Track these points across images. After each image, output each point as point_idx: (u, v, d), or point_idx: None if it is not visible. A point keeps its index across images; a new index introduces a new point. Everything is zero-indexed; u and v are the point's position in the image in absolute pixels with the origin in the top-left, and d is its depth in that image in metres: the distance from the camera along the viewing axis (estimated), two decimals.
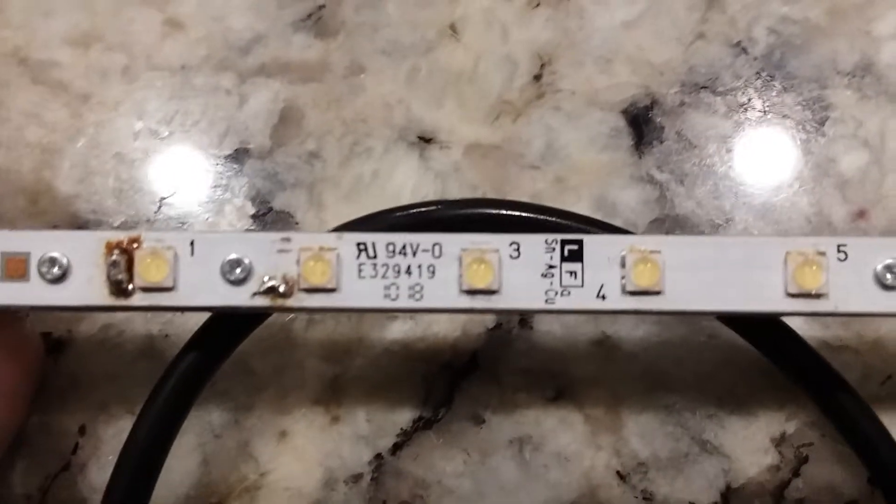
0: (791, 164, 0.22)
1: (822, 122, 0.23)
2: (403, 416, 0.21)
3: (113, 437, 0.21)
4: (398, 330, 0.22)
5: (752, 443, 0.21)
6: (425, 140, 0.23)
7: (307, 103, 0.23)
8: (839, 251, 0.17)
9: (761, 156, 0.23)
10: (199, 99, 0.23)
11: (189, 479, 0.21)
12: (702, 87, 0.23)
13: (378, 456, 0.21)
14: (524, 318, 0.22)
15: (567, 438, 0.21)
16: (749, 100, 0.23)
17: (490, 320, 0.22)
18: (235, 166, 0.23)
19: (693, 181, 0.22)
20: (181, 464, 0.21)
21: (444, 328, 0.22)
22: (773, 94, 0.23)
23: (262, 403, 0.21)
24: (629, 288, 0.17)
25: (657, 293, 0.17)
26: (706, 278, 0.17)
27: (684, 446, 0.21)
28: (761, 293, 0.17)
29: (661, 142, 0.23)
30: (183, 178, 0.23)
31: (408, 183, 0.23)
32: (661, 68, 0.23)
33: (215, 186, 0.23)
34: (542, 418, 0.21)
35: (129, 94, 0.23)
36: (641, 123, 0.23)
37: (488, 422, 0.21)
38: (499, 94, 0.23)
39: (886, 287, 0.17)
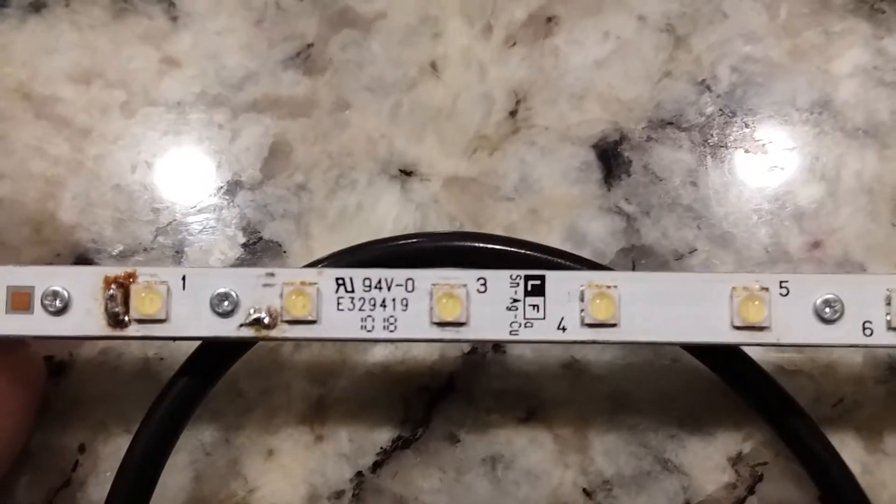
0: (751, 197, 0.24)
1: (780, 157, 0.24)
2: (383, 436, 0.23)
3: (111, 454, 0.22)
4: (379, 353, 0.23)
5: (710, 462, 0.22)
6: (406, 173, 0.24)
7: (296, 138, 0.24)
8: (781, 286, 0.18)
9: (723, 188, 0.24)
10: (194, 133, 0.25)
11: (182, 494, 0.22)
12: (668, 123, 0.24)
13: (359, 473, 0.22)
14: (497, 343, 0.23)
15: (537, 457, 0.22)
16: (712, 135, 0.24)
17: (466, 345, 0.23)
18: (228, 198, 0.24)
19: (659, 213, 0.24)
20: (175, 480, 0.22)
21: (423, 352, 0.23)
22: (735, 129, 0.24)
23: (250, 423, 0.23)
24: (587, 320, 0.18)
25: (613, 325, 0.18)
26: (659, 311, 0.19)
27: (647, 465, 0.22)
28: (710, 325, 0.18)
29: (629, 175, 0.24)
30: (178, 209, 0.24)
31: (390, 214, 0.24)
32: (630, 105, 0.25)
33: (208, 217, 0.24)
34: (514, 438, 0.22)
35: (128, 128, 0.25)
36: (610, 157, 0.24)
37: (463, 441, 0.23)
38: (476, 130, 0.25)
39: (825, 320, 0.18)
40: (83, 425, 0.23)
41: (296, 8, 0.25)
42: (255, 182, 0.24)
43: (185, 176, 0.24)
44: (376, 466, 0.22)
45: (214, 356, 0.20)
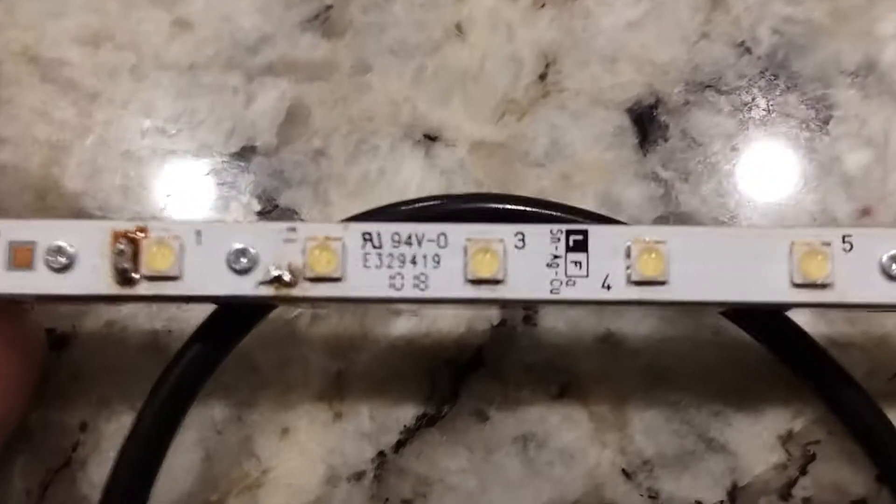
0: (795, 163, 0.23)
1: (825, 121, 0.23)
2: (407, 413, 0.21)
3: (114, 433, 0.21)
4: (403, 326, 0.22)
5: (758, 440, 0.21)
6: (431, 138, 0.23)
7: (314, 102, 0.23)
8: (844, 241, 0.17)
9: (766, 154, 0.23)
10: (207, 97, 0.23)
11: (190, 475, 0.21)
12: (706, 87, 0.23)
13: (381, 453, 0.21)
14: (528, 314, 0.22)
15: (571, 435, 0.21)
16: (753, 99, 0.23)
17: (494, 316, 0.22)
18: (242, 164, 0.23)
19: (698, 179, 0.22)
20: (182, 459, 0.21)
21: (449, 324, 0.22)
22: (777, 93, 0.23)
23: (264, 399, 0.21)
24: (634, 278, 0.17)
25: (662, 283, 0.17)
26: (711, 269, 0.17)
27: (690, 444, 0.21)
28: (766, 284, 0.17)
29: (666, 140, 0.23)
30: (190, 175, 0.23)
31: (413, 180, 0.23)
32: (666, 67, 0.23)
33: (221, 184, 0.23)
34: (547, 415, 0.21)
35: (138, 92, 0.23)
36: (646, 122, 0.23)
37: (492, 419, 0.21)
38: (504, 93, 0.23)
39: (892, 278, 0.17)
40: (85, 402, 0.21)
41: None
42: (270, 148, 0.23)
43: (197, 141, 0.23)
44: (399, 446, 0.21)
45: (230, 321, 0.19)
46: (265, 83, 0.23)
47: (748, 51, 0.23)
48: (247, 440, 0.21)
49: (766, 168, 0.23)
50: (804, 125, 0.23)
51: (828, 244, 0.17)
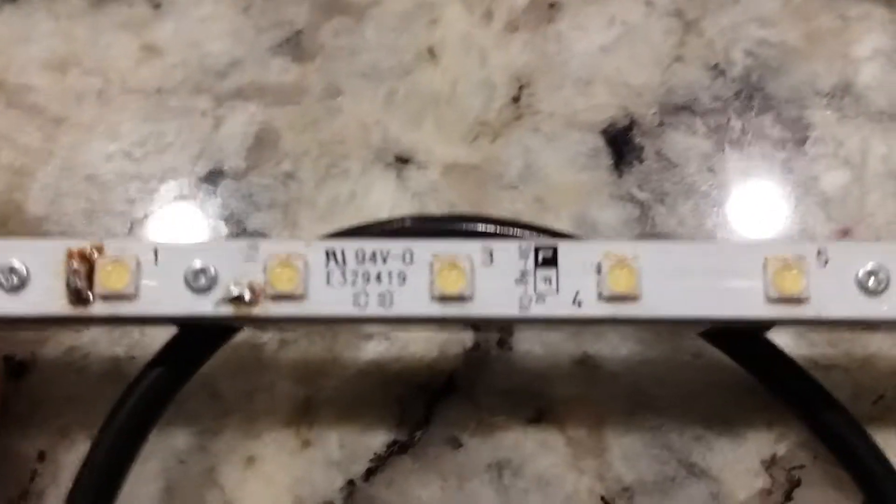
0: (773, 183, 0.22)
1: (802, 142, 0.23)
2: (377, 440, 0.20)
3: (73, 463, 0.20)
4: (373, 350, 0.21)
5: (741, 465, 0.20)
6: (403, 160, 0.23)
7: (283, 125, 0.23)
8: (819, 256, 0.17)
9: (743, 175, 0.22)
10: (174, 121, 0.23)
11: None
12: (681, 108, 0.23)
13: (350, 482, 0.20)
14: (503, 338, 0.21)
15: (548, 462, 0.20)
16: (728, 120, 0.23)
17: (468, 340, 0.21)
18: (209, 187, 0.22)
19: (674, 200, 0.22)
20: (143, 490, 0.20)
21: (421, 348, 0.21)
22: (753, 114, 0.23)
23: (229, 427, 0.21)
24: (606, 294, 0.17)
25: (634, 299, 0.17)
26: (685, 284, 0.17)
27: (671, 470, 0.20)
28: (741, 299, 0.17)
29: (641, 161, 0.22)
30: (156, 199, 0.22)
31: (385, 203, 0.22)
32: (640, 90, 0.23)
33: (189, 208, 0.22)
34: (522, 441, 0.20)
35: (104, 116, 0.23)
36: (620, 143, 0.23)
37: (466, 445, 0.20)
38: (477, 116, 0.23)
39: (869, 292, 0.17)
40: (44, 431, 0.20)
41: None
42: (239, 171, 0.23)
43: (163, 165, 0.23)
44: (370, 474, 0.20)
45: (191, 344, 0.18)
46: (234, 107, 0.23)
47: (722, 73, 0.23)
48: (210, 470, 0.20)
49: (743, 189, 0.22)
50: (780, 146, 0.23)
51: (802, 258, 0.17)
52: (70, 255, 0.17)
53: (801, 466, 0.20)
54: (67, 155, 0.23)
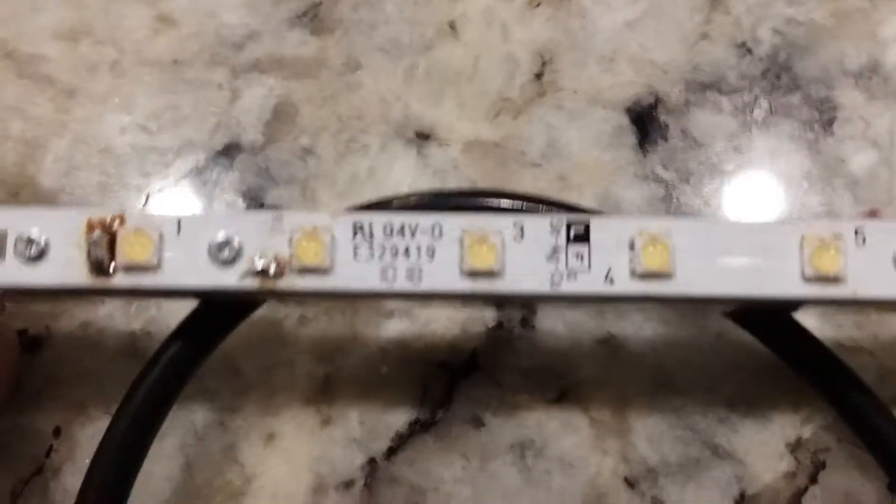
0: (800, 164, 0.22)
1: (830, 123, 0.22)
2: (399, 419, 0.20)
3: (90, 439, 0.20)
4: (394, 328, 0.21)
5: (766, 448, 0.20)
6: (423, 137, 0.22)
7: (301, 99, 0.22)
8: (857, 235, 0.16)
9: (769, 155, 0.22)
10: (190, 94, 0.22)
11: (170, 484, 0.20)
12: (707, 87, 0.23)
13: (371, 461, 0.20)
14: (525, 316, 0.21)
15: (571, 442, 0.20)
16: (755, 99, 0.22)
17: (490, 318, 0.21)
18: (226, 161, 0.22)
19: (699, 179, 0.22)
20: (162, 468, 0.20)
21: (443, 326, 0.21)
22: (780, 94, 0.22)
23: (249, 404, 0.20)
24: (639, 271, 0.16)
25: (667, 276, 0.16)
26: (718, 262, 0.16)
27: (695, 451, 0.20)
28: (777, 278, 0.16)
29: (666, 140, 0.22)
30: (171, 173, 0.22)
31: (405, 180, 0.22)
32: (665, 67, 0.23)
33: (205, 182, 0.22)
34: (545, 421, 0.20)
35: (118, 88, 0.23)
36: (645, 122, 0.22)
37: (488, 425, 0.20)
38: (499, 92, 0.23)
39: None
40: (59, 406, 0.20)
41: None
42: (256, 145, 0.22)
43: (179, 138, 0.22)
44: (391, 453, 0.20)
45: (212, 318, 0.18)
46: (251, 80, 0.23)
47: (749, 52, 0.23)
48: (230, 447, 0.20)
49: (769, 169, 0.22)
50: (808, 126, 0.22)
51: (840, 237, 0.16)
52: (91, 225, 0.16)
53: (827, 449, 0.20)
54: (81, 127, 0.22)
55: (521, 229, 0.16)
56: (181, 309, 0.18)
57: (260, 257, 0.16)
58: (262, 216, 0.17)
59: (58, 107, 0.22)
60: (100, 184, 0.22)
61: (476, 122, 0.22)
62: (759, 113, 0.22)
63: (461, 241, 0.16)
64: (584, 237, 0.16)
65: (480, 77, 0.23)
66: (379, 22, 0.23)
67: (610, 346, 0.21)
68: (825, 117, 0.22)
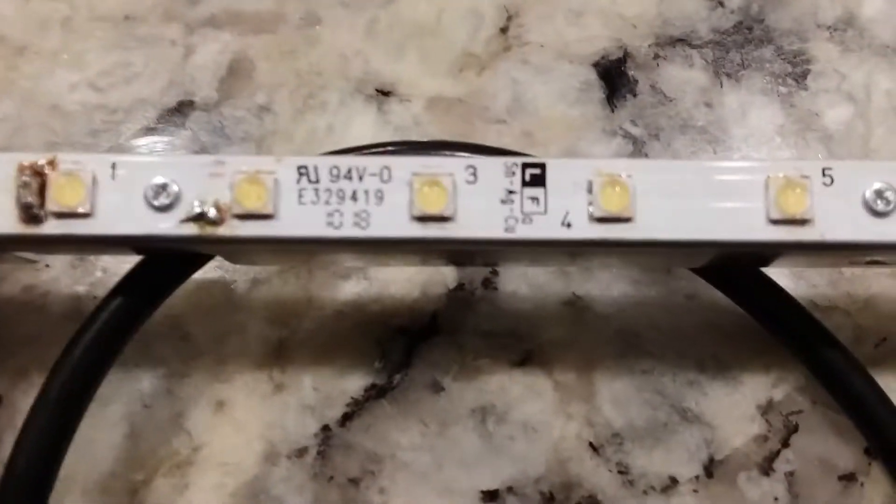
0: (773, 118, 0.21)
1: (803, 76, 0.21)
2: (354, 384, 0.19)
3: None
4: (350, 290, 0.20)
5: (736, 410, 0.19)
6: (384, 93, 0.21)
7: (258, 55, 0.22)
8: (824, 175, 0.16)
9: (741, 109, 0.21)
10: (142, 50, 0.22)
11: (113, 452, 0.19)
12: (677, 41, 0.22)
13: (325, 427, 0.19)
14: (488, 277, 0.20)
15: (535, 407, 0.19)
16: (727, 53, 0.22)
17: (451, 280, 0.20)
18: (179, 119, 0.21)
19: (669, 135, 0.21)
20: (105, 436, 0.19)
21: (402, 288, 0.20)
22: (752, 47, 0.22)
23: (198, 371, 0.19)
24: (597, 214, 0.15)
25: (627, 220, 0.15)
26: (681, 205, 0.16)
27: (663, 415, 0.19)
28: (742, 220, 0.15)
29: (635, 95, 0.21)
30: (122, 131, 0.21)
31: (364, 137, 0.21)
32: (634, 21, 0.22)
33: (156, 140, 0.21)
34: (508, 385, 0.19)
35: (68, 45, 0.22)
36: (614, 77, 0.22)
37: (448, 389, 0.19)
38: (463, 47, 0.22)
39: (877, 213, 0.15)
40: (1, 373, 0.19)
41: None
42: (210, 102, 0.21)
43: (131, 96, 0.21)
44: (346, 419, 0.19)
45: (155, 273, 0.17)
46: (206, 35, 0.22)
47: (721, 4, 0.22)
48: (177, 415, 0.19)
49: (742, 123, 0.21)
50: (780, 80, 0.21)
51: (807, 177, 0.16)
52: (21, 169, 0.15)
53: (800, 412, 0.19)
54: (30, 85, 0.21)
55: (475, 172, 0.16)
56: (128, 269, 0.17)
57: (199, 203, 0.15)
58: (202, 159, 0.16)
59: (7, 64, 0.22)
60: (48, 143, 0.21)
61: (439, 78, 0.22)
62: (730, 67, 0.22)
63: (411, 185, 0.16)
64: (539, 180, 0.16)
65: (444, 31, 0.22)
66: None
67: (576, 307, 0.20)
68: (798, 70, 0.22)
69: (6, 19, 0.22)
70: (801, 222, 0.15)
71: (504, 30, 0.22)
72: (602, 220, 0.15)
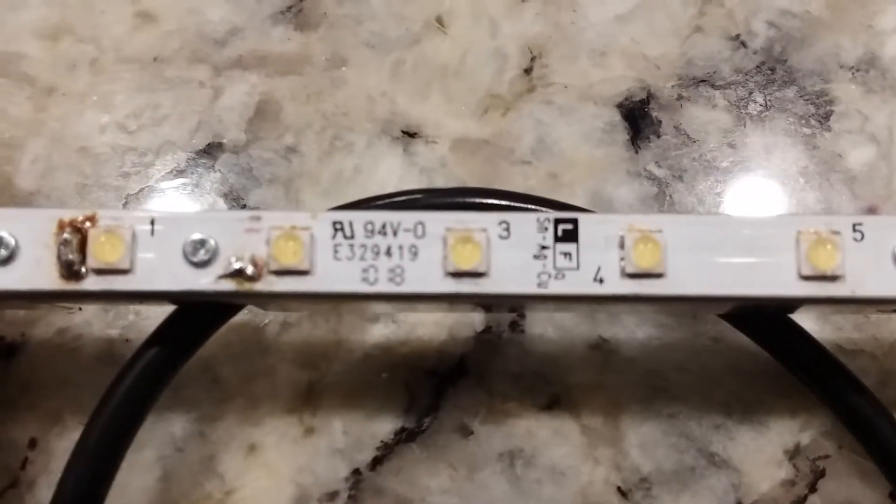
0: (796, 160, 0.21)
1: (826, 117, 0.22)
2: (384, 427, 0.19)
3: (66, 450, 0.19)
4: (379, 333, 0.20)
5: (763, 455, 0.19)
6: (410, 134, 0.22)
7: (285, 96, 0.22)
8: (855, 230, 0.16)
9: (765, 150, 0.21)
10: (171, 92, 0.22)
11: (146, 496, 0.19)
12: (700, 81, 0.22)
13: (356, 471, 0.19)
14: (515, 320, 0.20)
15: (562, 451, 0.19)
16: (750, 93, 0.22)
17: (479, 323, 0.20)
18: (208, 161, 0.21)
19: (693, 176, 0.21)
20: (138, 480, 0.19)
21: (430, 331, 0.20)
22: (775, 87, 0.22)
23: (229, 414, 0.20)
24: (629, 270, 0.16)
25: (659, 276, 0.16)
26: (712, 260, 0.16)
27: (690, 459, 0.19)
28: (773, 276, 0.16)
29: (659, 136, 0.22)
30: (151, 174, 0.21)
31: (391, 178, 0.21)
32: (658, 62, 0.22)
33: (186, 182, 0.21)
34: (535, 429, 0.19)
35: (97, 86, 0.22)
36: (637, 118, 0.22)
37: (476, 433, 0.19)
38: (487, 88, 0.22)
39: None
40: (35, 417, 0.19)
41: None
42: (239, 144, 0.22)
43: (160, 138, 0.22)
44: (376, 463, 0.19)
45: (190, 322, 0.17)
46: (233, 77, 0.22)
47: (744, 45, 0.22)
48: (209, 458, 0.19)
49: (765, 165, 0.21)
50: (804, 121, 0.22)
51: (837, 233, 0.16)
52: (61, 226, 0.16)
53: (826, 456, 0.19)
54: (59, 126, 0.22)
55: (507, 227, 0.16)
56: (160, 314, 0.18)
57: (236, 258, 0.16)
58: (239, 215, 0.16)
59: (36, 106, 0.22)
60: (77, 185, 0.21)
61: (464, 119, 0.22)
62: (753, 108, 0.22)
63: (445, 240, 0.16)
64: (572, 235, 0.16)
65: (468, 73, 0.22)
66: (364, 16, 0.23)
67: (602, 350, 0.20)
68: (822, 111, 0.22)
69: (35, 60, 0.22)
70: (832, 278, 0.16)
71: (528, 70, 0.22)
72: (634, 275, 0.16)
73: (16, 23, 0.23)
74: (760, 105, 0.22)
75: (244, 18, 0.23)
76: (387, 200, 0.18)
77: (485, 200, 0.18)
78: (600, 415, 0.20)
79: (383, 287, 0.16)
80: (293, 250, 0.16)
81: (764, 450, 0.19)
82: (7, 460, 0.19)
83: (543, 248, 0.16)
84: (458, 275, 0.16)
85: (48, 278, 0.16)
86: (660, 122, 0.22)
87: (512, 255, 0.16)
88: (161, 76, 0.22)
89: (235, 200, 0.21)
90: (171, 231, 0.16)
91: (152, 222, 0.16)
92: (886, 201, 0.21)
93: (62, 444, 0.19)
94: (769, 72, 0.22)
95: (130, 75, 0.22)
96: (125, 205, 0.21)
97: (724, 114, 0.22)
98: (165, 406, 0.19)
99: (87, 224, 0.16)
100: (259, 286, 0.16)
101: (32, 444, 0.19)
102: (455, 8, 0.23)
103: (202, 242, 0.16)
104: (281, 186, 0.21)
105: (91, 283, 0.16)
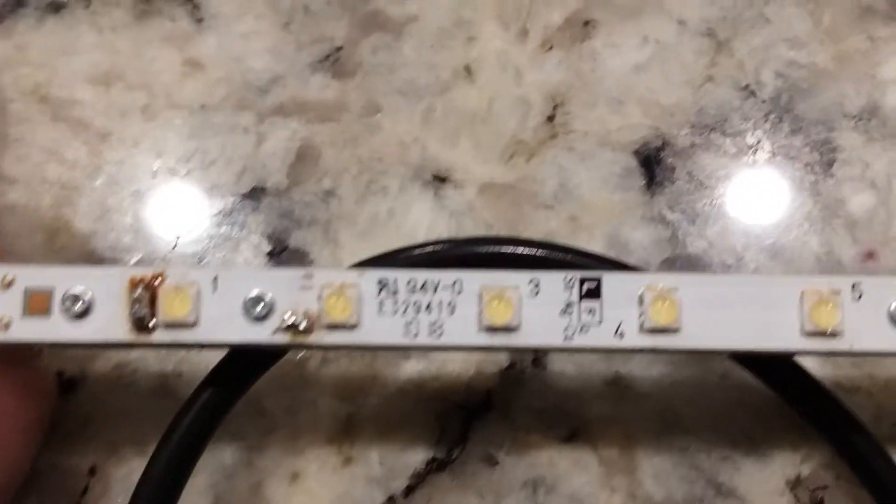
0: (800, 205, 0.23)
1: (829, 164, 0.23)
2: (416, 457, 0.21)
3: (123, 477, 0.21)
4: (412, 368, 0.22)
5: (767, 485, 0.21)
6: (440, 179, 0.23)
7: (324, 142, 0.23)
8: (854, 290, 0.17)
9: (771, 196, 0.23)
10: (218, 138, 0.23)
11: None
12: (711, 129, 0.23)
13: (391, 498, 0.21)
14: (538, 357, 0.22)
15: (581, 480, 0.21)
16: (758, 141, 0.23)
17: (504, 360, 0.22)
18: (252, 204, 0.23)
19: (704, 221, 0.23)
20: None
21: (459, 367, 0.22)
22: (782, 136, 0.23)
23: (274, 444, 0.21)
24: (647, 325, 0.17)
25: (675, 331, 0.17)
26: (723, 316, 0.17)
27: (699, 489, 0.21)
28: (777, 332, 0.17)
29: (673, 182, 0.23)
30: (200, 215, 0.23)
31: (423, 221, 0.23)
32: (672, 110, 0.24)
33: (232, 224, 0.23)
34: (556, 459, 0.21)
35: (148, 132, 0.23)
36: (653, 164, 0.23)
37: (502, 463, 0.21)
38: (513, 135, 0.23)
39: None
40: (94, 446, 0.21)
41: (325, 11, 0.24)
42: (281, 188, 0.23)
43: (207, 181, 0.23)
44: (409, 491, 0.21)
45: (244, 364, 0.19)
46: (276, 123, 0.24)
47: (753, 94, 0.24)
48: (257, 485, 0.21)
49: (771, 210, 0.23)
50: (809, 168, 0.23)
51: (837, 293, 0.17)
52: (133, 283, 0.17)
53: (825, 487, 0.21)
54: (113, 170, 0.23)
55: (537, 285, 0.17)
56: (212, 352, 0.19)
57: (291, 313, 0.17)
58: (293, 273, 0.18)
59: (91, 150, 0.23)
60: (132, 226, 0.23)
61: (491, 164, 0.23)
62: (761, 155, 0.23)
63: (480, 297, 0.17)
64: (596, 293, 0.17)
65: (494, 119, 0.24)
66: (397, 65, 0.24)
67: (618, 386, 0.21)
68: (825, 159, 0.23)
69: (90, 106, 0.24)
70: (832, 335, 0.17)
71: (551, 118, 0.24)
72: (652, 331, 0.17)
73: (69, 69, 0.24)
74: (768, 152, 0.23)
75: (285, 66, 0.24)
76: (421, 251, 0.20)
77: (510, 250, 0.20)
78: (616, 446, 0.21)
79: (424, 340, 0.17)
80: (342, 306, 0.17)
81: (767, 480, 0.21)
82: (69, 487, 0.21)
83: (569, 304, 0.17)
84: (492, 329, 0.17)
85: (121, 331, 0.17)
86: (674, 168, 0.23)
87: (541, 311, 0.17)
88: (208, 122, 0.24)
89: (278, 242, 0.23)
90: (231, 287, 0.17)
91: (215, 280, 0.17)
92: (885, 246, 0.22)
93: (120, 472, 0.21)
94: (777, 120, 0.23)
95: (180, 121, 0.24)
96: (175, 246, 0.23)
97: (733, 160, 0.23)
98: (217, 437, 0.21)
99: (157, 281, 0.17)
100: (311, 339, 0.17)
101: (92, 471, 0.21)
102: (482, 57, 0.24)
103: (259, 298, 0.17)
104: (320, 228, 0.23)
105: (160, 336, 0.17)
